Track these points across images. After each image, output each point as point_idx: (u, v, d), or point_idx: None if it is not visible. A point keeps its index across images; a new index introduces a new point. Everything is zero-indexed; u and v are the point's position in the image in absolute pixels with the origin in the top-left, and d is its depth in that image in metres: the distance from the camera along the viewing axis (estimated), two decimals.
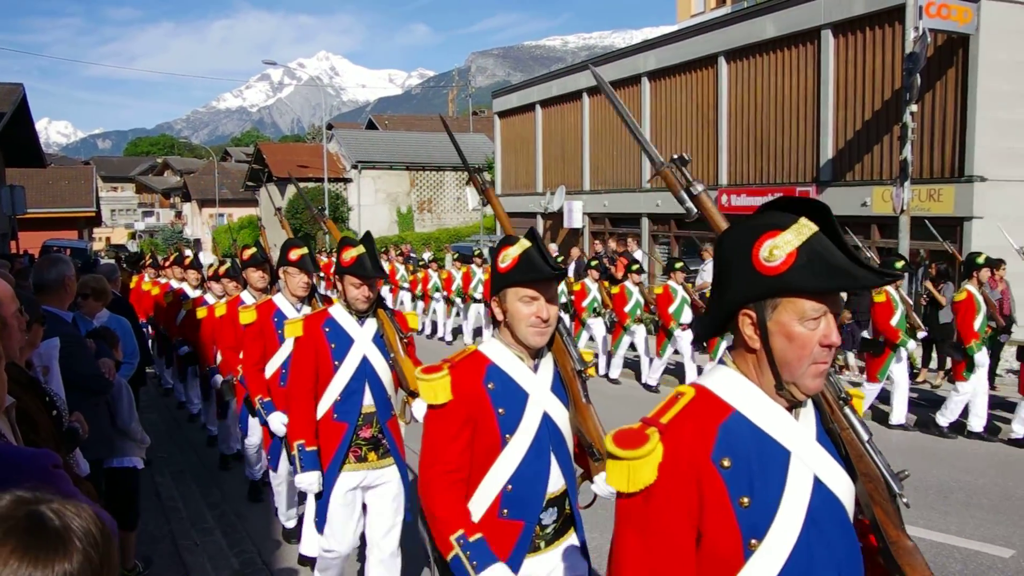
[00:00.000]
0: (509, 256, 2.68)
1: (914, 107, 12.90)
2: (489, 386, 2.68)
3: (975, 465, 8.42)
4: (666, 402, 1.77)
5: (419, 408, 3.84)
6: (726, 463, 1.67)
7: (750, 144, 19.38)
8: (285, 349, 5.33)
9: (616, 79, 23.70)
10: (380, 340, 4.29)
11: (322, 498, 4.23)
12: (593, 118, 25.38)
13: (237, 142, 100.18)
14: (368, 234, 4.37)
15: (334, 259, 5.01)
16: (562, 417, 2.80)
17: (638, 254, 17.21)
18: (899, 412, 9.70)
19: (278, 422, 5.18)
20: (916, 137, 14.21)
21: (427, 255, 26.80)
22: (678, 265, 12.30)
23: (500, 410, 2.67)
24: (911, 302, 9.92)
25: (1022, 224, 14.14)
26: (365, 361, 4.23)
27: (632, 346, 12.75)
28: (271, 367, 5.50)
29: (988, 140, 14.34)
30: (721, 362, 1.85)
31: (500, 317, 2.73)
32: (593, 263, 13.45)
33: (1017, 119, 14.47)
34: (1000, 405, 10.09)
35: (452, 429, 2.64)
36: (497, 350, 2.76)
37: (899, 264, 9.80)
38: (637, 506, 1.68)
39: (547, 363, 2.82)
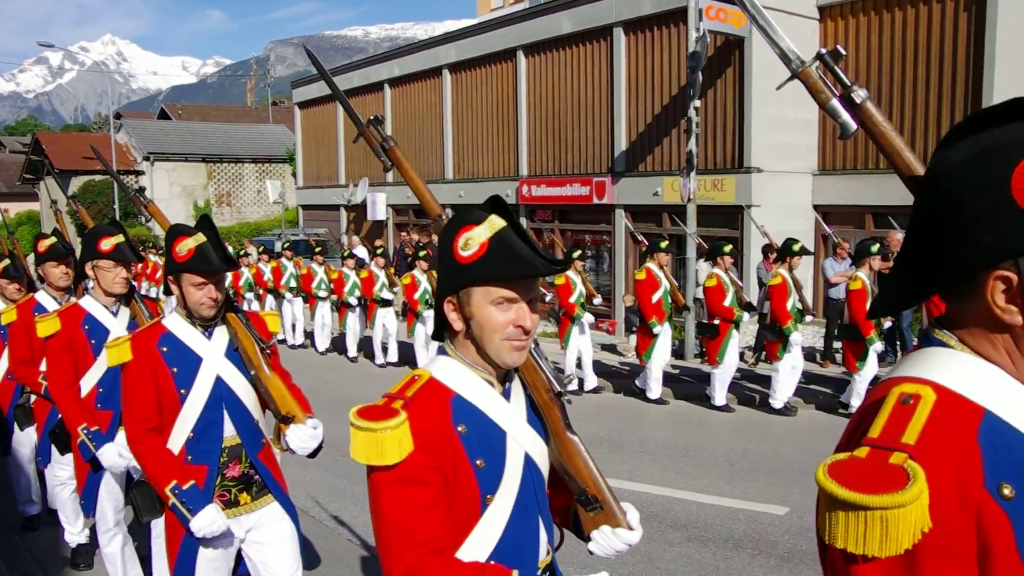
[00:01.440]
0: (474, 240, 1.91)
1: (697, 103, 13.72)
2: (460, 429, 1.92)
3: (761, 434, 9.11)
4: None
5: (297, 438, 3.35)
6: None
7: (548, 136, 19.95)
8: (102, 363, 4.35)
9: (418, 71, 23.76)
10: (236, 354, 3.47)
11: (182, 563, 3.37)
12: (395, 109, 25.31)
13: (11, 131, 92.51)
14: (206, 218, 3.55)
15: (160, 256, 4.04)
16: (543, 460, 2.13)
17: None
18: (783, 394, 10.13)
19: (113, 454, 4.14)
20: (700, 131, 15.12)
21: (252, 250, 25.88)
22: (422, 253, 12.76)
23: (478, 462, 1.93)
24: (801, 285, 10.42)
25: (792, 210, 15.43)
26: (220, 383, 3.41)
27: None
28: (85, 386, 4.45)
29: (762, 135, 15.50)
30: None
31: (459, 326, 1.98)
32: (421, 253, 13.39)
33: (786, 116, 15.72)
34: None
35: (415, 491, 1.84)
36: (458, 374, 2.00)
37: (796, 247, 9.93)
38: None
39: (517, 387, 2.12)
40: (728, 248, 10.18)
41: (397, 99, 25.29)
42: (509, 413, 2.04)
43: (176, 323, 3.45)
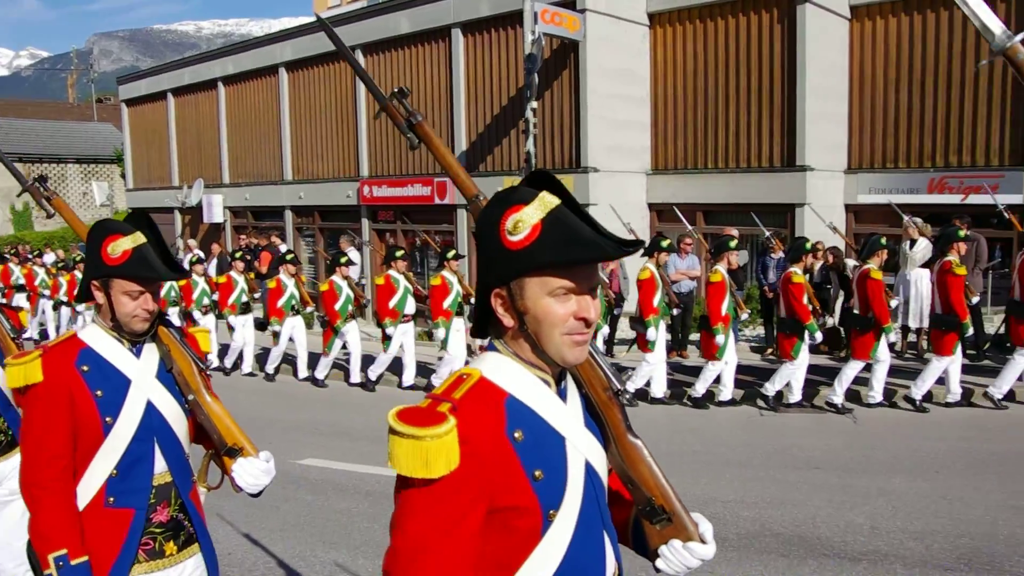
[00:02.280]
0: (525, 222, 1.67)
1: (535, 104, 14.03)
2: (516, 435, 1.68)
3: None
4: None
5: (249, 474, 2.89)
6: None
7: (389, 136, 19.85)
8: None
9: (254, 68, 23.11)
10: (168, 376, 2.93)
11: None
12: (231, 108, 24.51)
13: None
14: (144, 215, 2.99)
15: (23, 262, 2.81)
16: (604, 468, 1.88)
17: (283, 248, 16.97)
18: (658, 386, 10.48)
19: None
20: (538, 132, 15.47)
21: (49, 256, 24.38)
22: (289, 257, 12.43)
23: (536, 473, 1.69)
24: (668, 279, 10.75)
25: (627, 207, 15.98)
26: (151, 410, 2.86)
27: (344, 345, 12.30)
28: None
29: (598, 136, 16.00)
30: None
31: (509, 322, 1.74)
32: (237, 254, 13.03)
33: (619, 118, 16.30)
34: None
35: (454, 514, 1.61)
36: (512, 373, 1.74)
37: (665, 243, 10.34)
38: None
39: (572, 387, 1.88)
40: (666, 243, 10.37)
41: (232, 97, 24.49)
42: (567, 416, 1.78)
43: (97, 337, 2.86)
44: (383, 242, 19.31)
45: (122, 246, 2.77)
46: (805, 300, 9.52)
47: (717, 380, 10.04)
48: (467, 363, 1.94)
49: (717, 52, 16.27)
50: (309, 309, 12.88)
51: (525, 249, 1.66)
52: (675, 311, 10.88)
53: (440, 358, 11.93)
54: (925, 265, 11.57)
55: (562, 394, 1.81)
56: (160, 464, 2.87)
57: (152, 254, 2.81)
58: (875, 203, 15.76)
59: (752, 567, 5.37)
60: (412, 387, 11.74)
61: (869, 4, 15.97)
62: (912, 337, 12.35)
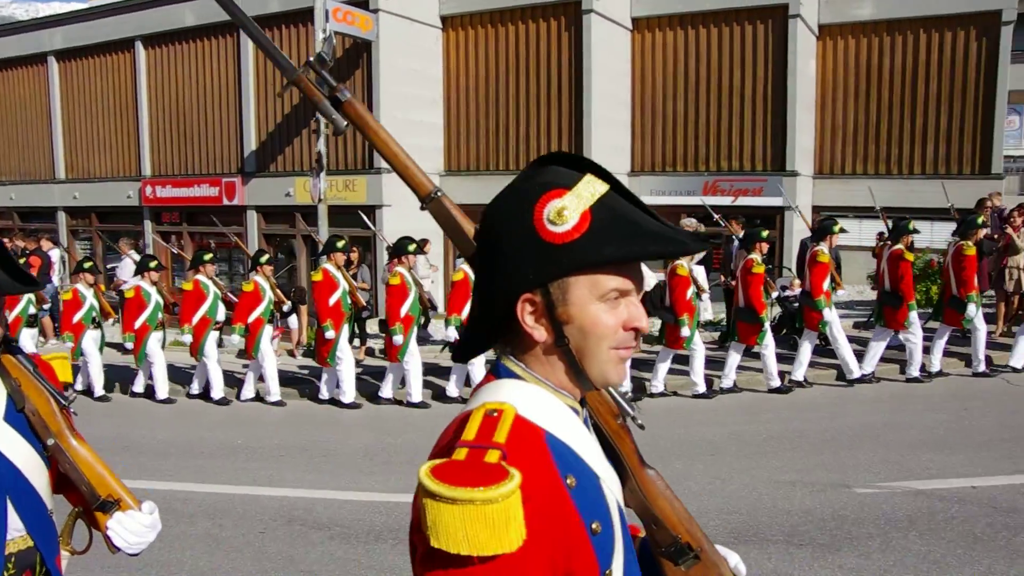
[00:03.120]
0: (571, 210, 1.32)
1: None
2: (568, 482, 1.34)
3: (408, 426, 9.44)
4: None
5: (129, 531, 2.38)
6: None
7: (173, 134, 18.95)
8: None
9: (18, 55, 21.36)
10: (20, 416, 2.37)
11: None
12: None
13: None
14: None
15: None
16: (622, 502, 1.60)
17: (54, 253, 15.78)
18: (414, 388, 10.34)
19: None
20: (330, 132, 15.24)
21: None
22: (87, 265, 11.43)
23: (594, 525, 1.38)
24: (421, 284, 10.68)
25: (417, 209, 16.07)
26: (1, 461, 2.31)
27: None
28: None
29: (398, 137, 15.94)
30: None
31: (541, 336, 1.37)
32: (87, 264, 11.80)
33: (412, 119, 16.37)
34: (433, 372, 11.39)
35: None
36: (544, 404, 1.40)
37: (411, 246, 10.19)
38: None
39: (585, 416, 1.56)
40: (412, 247, 10.24)
41: None
42: (597, 452, 1.47)
43: None
44: (169, 245, 18.40)
45: None
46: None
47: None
48: (474, 393, 1.45)
49: (507, 57, 16.69)
50: (111, 321, 11.95)
51: (575, 242, 1.31)
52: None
53: (245, 366, 11.46)
54: (701, 262, 12.36)
55: (585, 424, 1.49)
56: (16, 525, 2.33)
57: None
58: (657, 204, 16.70)
59: None
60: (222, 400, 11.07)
61: (649, 17, 16.90)
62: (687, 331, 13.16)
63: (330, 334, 9.99)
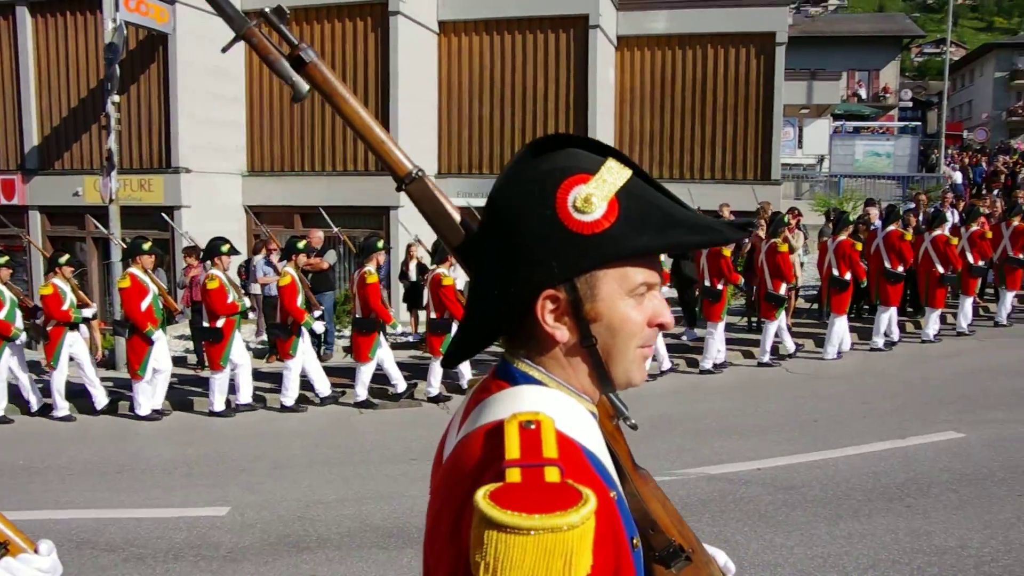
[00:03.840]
0: (598, 197, 1.20)
1: (117, 98, 13.03)
2: (612, 495, 1.23)
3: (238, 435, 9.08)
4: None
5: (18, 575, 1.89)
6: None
7: None
8: None
9: None
10: None
11: None
12: None
13: None
14: None
15: None
16: None
17: None
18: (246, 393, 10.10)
19: None
20: (123, 128, 14.42)
21: None
22: (63, 259, 10.22)
23: (635, 540, 1.28)
24: (164, 285, 10.19)
25: (223, 211, 15.54)
26: None
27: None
28: None
29: (191, 134, 15.33)
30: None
31: (563, 336, 1.24)
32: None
33: (213, 117, 15.78)
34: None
35: None
36: (571, 413, 1.26)
37: (225, 247, 9.91)
38: None
39: None
40: (226, 248, 9.86)
41: None
42: (609, 459, 1.33)
43: None
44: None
45: None
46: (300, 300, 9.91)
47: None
48: (478, 403, 1.28)
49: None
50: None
51: (606, 232, 1.19)
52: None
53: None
54: None
55: None
56: None
57: None
58: (463, 206, 16.91)
59: (353, 564, 5.54)
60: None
61: (455, 21, 17.10)
62: None
63: (156, 336, 9.62)
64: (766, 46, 17.36)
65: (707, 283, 11.00)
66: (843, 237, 11.42)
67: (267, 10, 1.41)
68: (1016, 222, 12.94)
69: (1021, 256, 12.82)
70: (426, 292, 10.78)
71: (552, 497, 1.03)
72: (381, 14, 15.83)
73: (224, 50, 1.66)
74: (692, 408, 9.31)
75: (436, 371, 10.24)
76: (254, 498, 6.92)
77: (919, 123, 46.31)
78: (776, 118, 17.52)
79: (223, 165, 16.19)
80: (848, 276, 11.41)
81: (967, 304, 12.63)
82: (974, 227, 12.57)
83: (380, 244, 10.27)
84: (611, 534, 1.13)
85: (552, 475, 1.06)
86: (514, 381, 1.26)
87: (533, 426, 1.14)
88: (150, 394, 9.78)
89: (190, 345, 12.77)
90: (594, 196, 1.19)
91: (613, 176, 1.21)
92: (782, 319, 11.45)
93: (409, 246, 12.03)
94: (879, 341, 11.78)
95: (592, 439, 1.24)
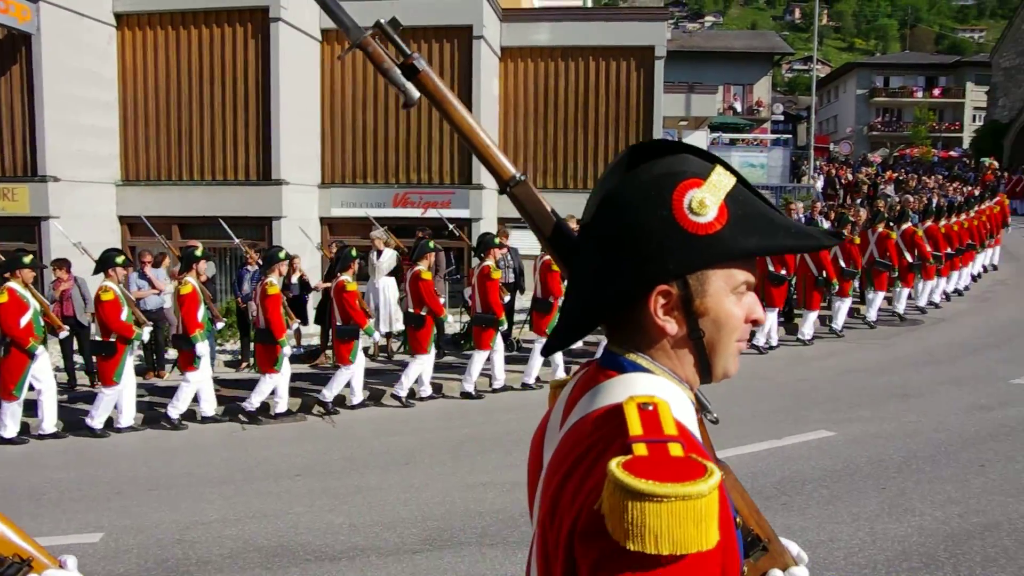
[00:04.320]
0: (710, 201, 1.30)
1: None
2: (721, 475, 1.28)
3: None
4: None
5: None
6: None
7: None
8: None
9: None
10: None
11: None
12: None
13: None
14: None
15: None
16: None
17: None
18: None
19: None
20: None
21: None
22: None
23: (737, 519, 1.40)
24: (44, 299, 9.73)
25: (95, 220, 14.90)
26: None
27: None
28: None
29: (60, 142, 14.64)
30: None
31: (673, 329, 1.34)
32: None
33: (83, 123, 15.12)
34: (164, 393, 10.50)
35: None
36: (678, 400, 1.33)
37: (120, 258, 9.58)
38: None
39: None
40: (121, 259, 9.53)
41: None
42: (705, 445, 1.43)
43: None
44: None
45: None
46: (200, 314, 9.75)
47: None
48: (585, 391, 1.36)
49: (191, 61, 15.94)
50: None
51: (717, 234, 1.29)
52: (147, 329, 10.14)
53: None
54: (391, 274, 12.59)
55: None
56: None
57: None
58: (347, 216, 16.75)
59: None
60: None
61: (339, 29, 16.89)
62: (383, 341, 13.29)
63: (39, 351, 9.18)
64: (646, 59, 17.82)
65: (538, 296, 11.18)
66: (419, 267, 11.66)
67: (382, 21, 1.51)
68: (880, 228, 13.78)
69: (886, 260, 13.63)
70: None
71: (680, 468, 1.11)
72: (262, 20, 15.52)
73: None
74: None
75: (340, 380, 10.19)
76: (129, 522, 6.64)
77: (790, 136, 48.50)
78: (656, 129, 18.00)
79: (95, 174, 15.52)
80: (783, 272, 12.27)
81: (843, 306, 13.31)
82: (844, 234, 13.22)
83: (283, 255, 10.30)
84: (726, 510, 1.19)
85: (676, 450, 1.15)
86: (623, 369, 1.34)
87: (651, 407, 1.23)
88: (19, 416, 9.27)
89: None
90: (707, 199, 1.28)
91: (722, 181, 1.31)
92: None
93: (292, 259, 11.81)
94: (761, 340, 12.34)
95: (694, 426, 1.32)
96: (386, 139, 17.04)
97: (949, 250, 15.48)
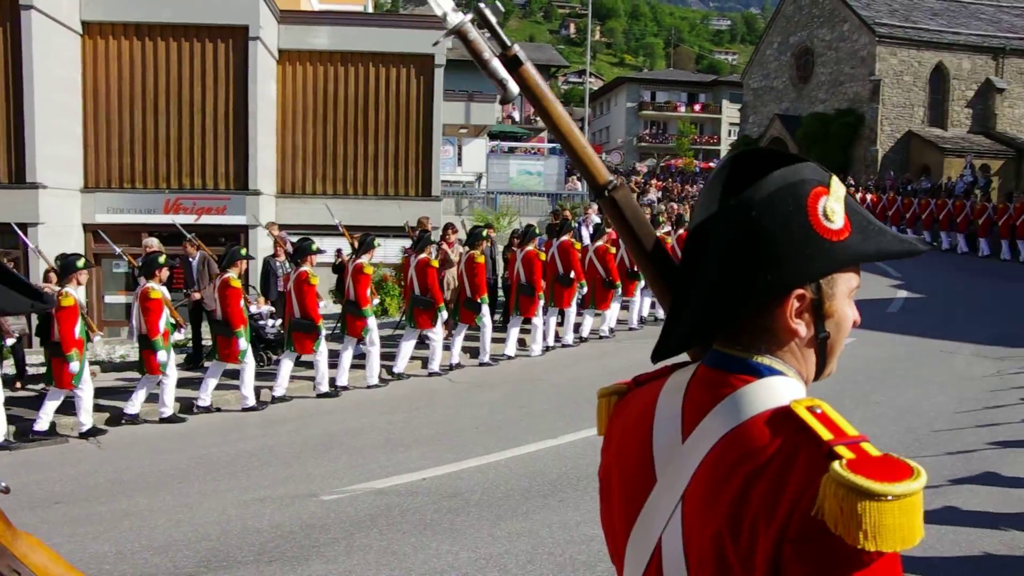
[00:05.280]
0: (838, 208, 1.34)
1: None
2: None
3: None
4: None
5: None
6: None
7: None
8: None
9: None
10: None
11: None
12: None
13: None
14: None
15: None
16: None
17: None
18: None
19: None
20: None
21: None
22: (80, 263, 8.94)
23: None
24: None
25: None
26: None
27: None
28: None
29: None
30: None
31: (804, 331, 1.35)
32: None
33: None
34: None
35: None
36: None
37: (80, 262, 9.16)
38: None
39: None
40: (81, 263, 9.13)
41: None
42: None
43: None
44: None
45: None
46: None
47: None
48: (726, 397, 1.35)
49: None
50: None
51: (847, 240, 1.33)
52: None
53: None
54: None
55: None
56: None
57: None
58: (115, 223, 15.75)
59: None
60: None
61: (102, 23, 15.90)
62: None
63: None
64: (426, 67, 18.01)
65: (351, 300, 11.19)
66: (530, 248, 12.65)
67: (483, 6, 1.40)
68: (658, 233, 14.74)
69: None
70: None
71: (890, 467, 1.15)
72: (11, 8, 14.30)
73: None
74: (357, 423, 9.39)
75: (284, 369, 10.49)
76: None
77: None
78: (436, 137, 18.23)
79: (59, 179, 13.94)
80: (572, 274, 12.80)
81: (613, 310, 14.08)
82: (599, 243, 13.95)
83: (80, 264, 9.65)
84: None
85: (871, 449, 1.19)
86: (759, 374, 1.34)
87: (819, 410, 1.25)
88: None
89: None
90: (836, 207, 1.33)
91: (840, 190, 1.35)
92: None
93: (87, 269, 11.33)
94: (571, 337, 13.13)
95: None
96: (156, 141, 16.19)
97: None
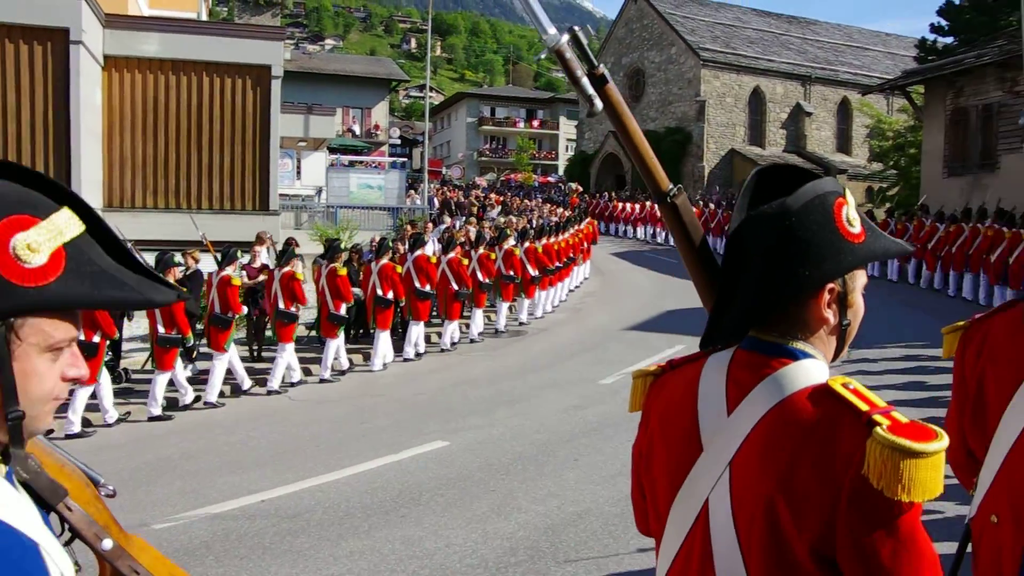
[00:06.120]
0: (856, 215, 1.61)
1: None
2: None
3: None
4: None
5: None
6: None
7: None
8: None
9: None
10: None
11: None
12: None
13: None
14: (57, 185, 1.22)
15: None
16: None
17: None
18: None
19: None
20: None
21: None
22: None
23: None
24: None
25: None
26: None
27: None
28: None
29: None
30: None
31: (833, 320, 1.60)
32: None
33: None
34: None
35: None
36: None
37: None
38: None
39: None
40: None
41: None
42: None
43: None
44: None
45: (43, 243, 1.17)
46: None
47: None
48: (768, 377, 1.57)
49: None
50: None
51: (864, 243, 1.58)
52: None
53: None
54: None
55: None
56: None
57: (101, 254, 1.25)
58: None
59: None
60: None
61: None
62: None
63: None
64: (263, 78, 17.55)
65: (217, 312, 10.88)
66: (385, 261, 12.80)
67: (577, 29, 1.59)
68: (482, 250, 15.02)
69: (511, 273, 15.35)
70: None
71: (920, 430, 1.38)
72: None
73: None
74: (194, 446, 9.02)
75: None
76: None
77: (406, 159, 50.40)
78: (273, 149, 17.78)
79: None
80: (391, 295, 12.82)
81: (452, 325, 14.18)
82: (451, 254, 14.07)
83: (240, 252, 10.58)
84: None
85: (900, 416, 1.42)
86: (795, 357, 1.56)
87: (852, 386, 1.49)
88: None
89: None
90: (854, 215, 1.57)
91: (852, 199, 1.60)
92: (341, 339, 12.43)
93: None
94: (410, 351, 13.33)
95: None
96: None
97: (557, 264, 17.50)
